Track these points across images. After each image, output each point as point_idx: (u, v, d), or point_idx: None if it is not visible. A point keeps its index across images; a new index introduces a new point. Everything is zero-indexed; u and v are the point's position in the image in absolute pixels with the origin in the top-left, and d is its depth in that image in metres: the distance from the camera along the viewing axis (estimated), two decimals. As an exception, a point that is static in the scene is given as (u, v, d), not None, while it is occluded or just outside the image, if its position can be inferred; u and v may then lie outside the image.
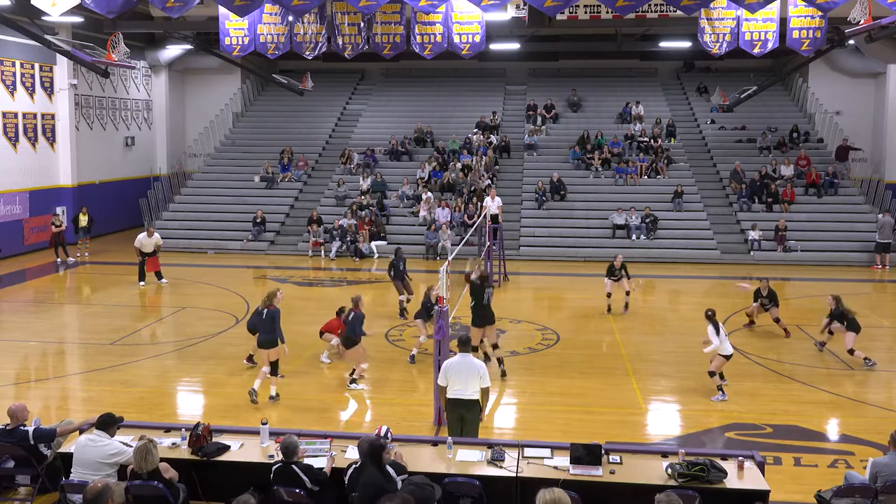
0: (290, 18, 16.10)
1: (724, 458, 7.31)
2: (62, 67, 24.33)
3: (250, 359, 12.44)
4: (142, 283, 18.97)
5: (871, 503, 7.02)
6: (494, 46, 23.95)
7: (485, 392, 8.49)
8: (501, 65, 32.34)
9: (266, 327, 11.01)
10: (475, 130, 28.53)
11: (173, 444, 7.67)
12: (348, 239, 23.39)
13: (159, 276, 19.19)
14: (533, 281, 20.56)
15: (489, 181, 25.50)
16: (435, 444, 7.85)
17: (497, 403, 11.07)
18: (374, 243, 23.42)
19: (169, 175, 29.61)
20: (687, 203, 24.61)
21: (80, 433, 7.55)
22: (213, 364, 12.81)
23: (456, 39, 15.76)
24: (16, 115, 22.84)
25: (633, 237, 23.34)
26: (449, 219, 23.77)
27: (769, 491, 6.88)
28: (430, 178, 26.16)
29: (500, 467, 7.21)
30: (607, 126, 28.58)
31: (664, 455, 7.44)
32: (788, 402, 11.19)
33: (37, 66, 23.58)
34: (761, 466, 7.22)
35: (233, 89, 31.22)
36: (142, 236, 19.00)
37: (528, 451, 7.46)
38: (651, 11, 17.36)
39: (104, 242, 25.16)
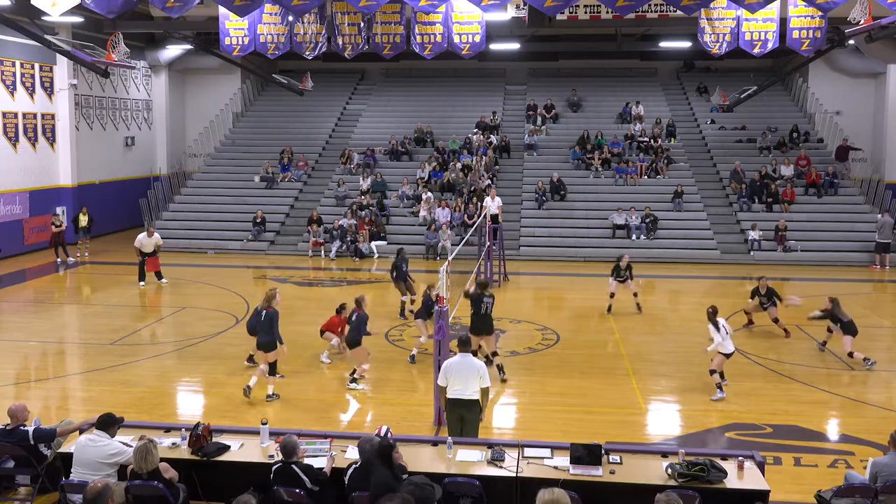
0: (290, 18, 16.10)
1: (724, 458, 7.31)
2: (62, 67, 24.33)
3: (251, 359, 12.43)
4: (142, 283, 18.97)
5: (871, 503, 7.02)
6: (494, 46, 23.96)
7: (485, 392, 8.49)
8: (501, 65, 32.34)
9: (264, 328, 11.07)
10: (475, 130, 28.54)
11: (173, 444, 7.67)
12: (348, 239, 23.39)
13: (159, 276, 19.19)
14: (533, 281, 20.56)
15: (489, 181, 25.50)
16: (435, 444, 7.85)
17: (497, 403, 11.07)
18: (374, 243, 23.42)
19: (169, 175, 29.61)
20: (687, 203, 24.61)
21: (80, 433, 7.55)
22: (213, 364, 12.81)
23: (456, 39, 15.76)
24: (16, 115, 22.84)
25: (633, 237, 23.35)
26: (449, 219, 23.78)
27: (769, 491, 6.88)
28: (430, 178, 26.16)
29: (500, 467, 7.20)
30: (607, 126, 28.58)
31: (664, 455, 7.44)
32: (788, 402, 11.19)
33: (37, 66, 23.58)
34: (761, 466, 7.22)
35: (233, 89, 31.23)
36: (142, 236, 19.00)
37: (528, 451, 7.46)
38: (651, 11, 17.37)
39: (104, 242, 25.17)
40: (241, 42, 16.34)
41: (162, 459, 6.86)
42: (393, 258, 16.42)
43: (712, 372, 11.36)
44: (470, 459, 7.35)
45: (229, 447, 7.58)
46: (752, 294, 14.80)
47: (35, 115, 23.65)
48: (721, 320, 11.32)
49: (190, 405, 11.42)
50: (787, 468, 8.96)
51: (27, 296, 18.46)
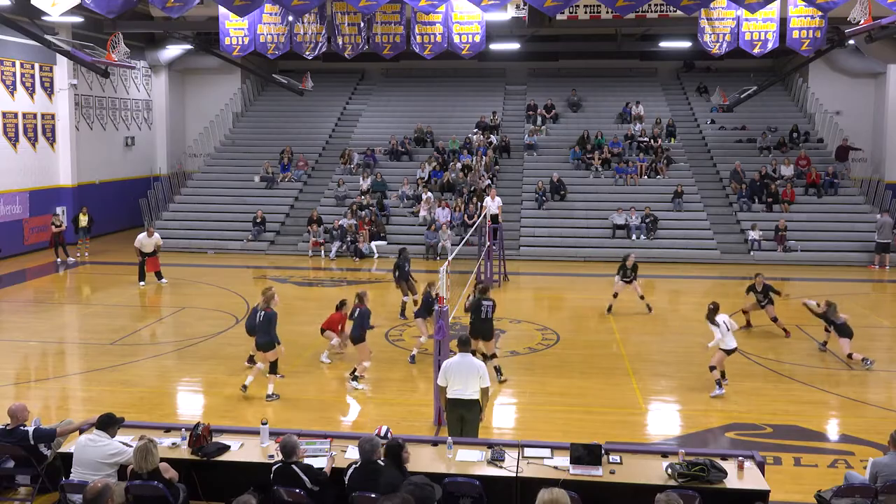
0: (290, 18, 16.10)
1: (724, 458, 7.31)
2: (62, 67, 24.33)
3: (251, 360, 12.42)
4: (142, 283, 18.97)
5: (871, 503, 7.02)
6: (494, 46, 23.96)
7: (485, 392, 8.49)
8: (501, 65, 32.33)
9: (263, 329, 11.12)
10: (475, 130, 28.53)
11: (173, 444, 7.67)
12: (348, 239, 23.39)
13: (159, 276, 19.19)
14: (533, 281, 20.56)
15: (489, 181, 25.50)
16: (435, 444, 7.85)
17: (497, 403, 11.07)
18: (374, 243, 23.42)
19: (169, 175, 29.61)
20: (687, 203, 24.61)
21: (80, 433, 7.55)
22: (213, 364, 12.81)
23: (456, 39, 15.76)
24: (16, 115, 22.84)
25: (633, 237, 23.35)
26: (449, 219, 23.77)
27: (769, 491, 6.88)
28: (430, 178, 26.16)
29: (500, 467, 7.20)
30: (607, 126, 28.58)
31: (664, 455, 7.44)
32: (788, 402, 11.19)
33: (37, 66, 23.58)
34: (761, 466, 7.22)
35: (233, 89, 31.23)
36: (142, 236, 19.00)
37: (528, 451, 7.46)
38: (651, 11, 17.36)
39: (104, 242, 25.16)
40: (241, 42, 16.34)
41: (162, 459, 6.86)
42: (394, 258, 16.41)
43: (712, 368, 11.36)
44: (470, 459, 7.35)
45: (229, 447, 7.58)
46: (747, 290, 14.79)
47: (35, 115, 23.65)
48: (723, 316, 11.32)
49: (190, 405, 11.42)
50: (787, 468, 8.95)
51: (27, 296, 18.46)
